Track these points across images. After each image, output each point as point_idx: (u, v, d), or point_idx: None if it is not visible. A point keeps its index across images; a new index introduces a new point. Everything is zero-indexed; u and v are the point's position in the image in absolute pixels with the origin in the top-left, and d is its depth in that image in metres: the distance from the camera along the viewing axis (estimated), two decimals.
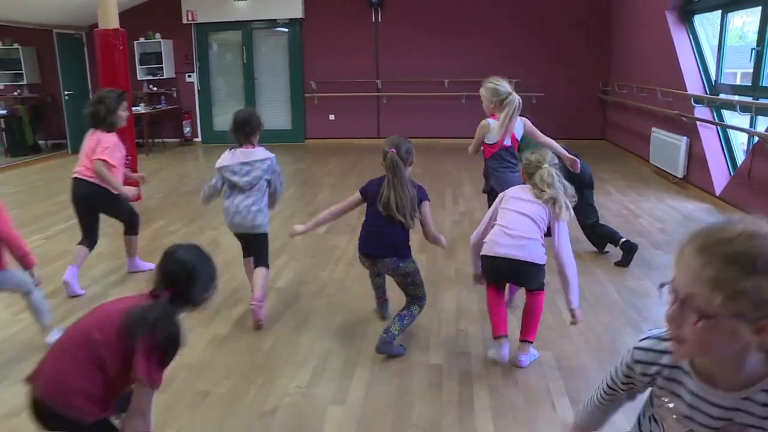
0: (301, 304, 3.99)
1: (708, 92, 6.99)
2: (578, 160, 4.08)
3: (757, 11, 6.02)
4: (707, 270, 1.00)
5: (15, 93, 11.08)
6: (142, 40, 11.28)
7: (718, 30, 6.83)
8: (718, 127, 6.78)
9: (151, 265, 4.51)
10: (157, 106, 11.35)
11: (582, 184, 4.52)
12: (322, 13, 11.01)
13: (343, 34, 11.03)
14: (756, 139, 5.80)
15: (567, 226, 3.08)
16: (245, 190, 3.63)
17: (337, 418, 2.70)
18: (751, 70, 6.07)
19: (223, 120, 11.48)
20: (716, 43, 6.91)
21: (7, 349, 3.39)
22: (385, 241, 3.23)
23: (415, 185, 3.27)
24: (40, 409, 1.86)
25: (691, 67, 7.28)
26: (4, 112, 10.71)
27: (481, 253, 3.14)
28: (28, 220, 6.05)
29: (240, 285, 4.13)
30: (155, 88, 11.52)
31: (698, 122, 6.86)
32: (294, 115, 11.65)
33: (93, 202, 4.21)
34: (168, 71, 11.45)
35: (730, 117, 6.62)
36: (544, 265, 3.08)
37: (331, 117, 11.50)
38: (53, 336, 3.25)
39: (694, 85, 7.13)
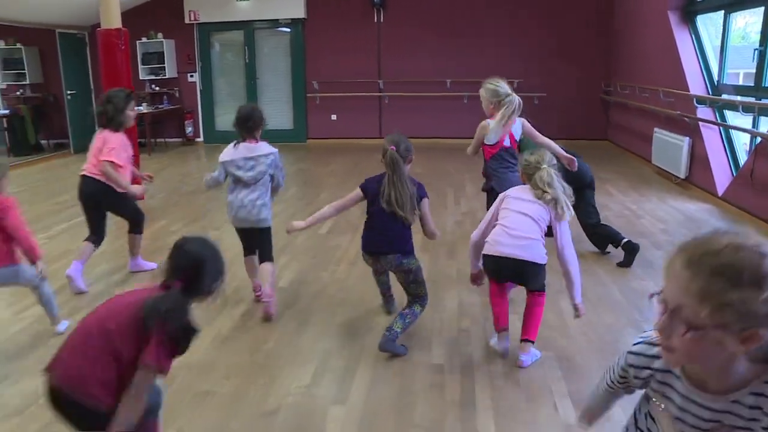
0: (302, 304, 3.99)
1: (710, 93, 6.98)
2: (576, 159, 4.09)
3: (759, 11, 6.01)
4: (695, 282, 1.03)
5: (18, 93, 11.09)
6: (144, 39, 11.29)
7: (721, 30, 6.82)
8: (721, 128, 6.77)
9: (153, 265, 4.54)
10: (160, 106, 11.36)
11: (583, 185, 4.54)
12: (324, 13, 11.01)
13: (345, 34, 11.03)
14: (758, 139, 5.79)
15: (568, 226, 3.10)
16: (249, 185, 3.68)
17: (339, 418, 2.70)
18: (754, 71, 6.06)
19: (225, 120, 11.48)
20: (719, 43, 6.90)
21: (9, 348, 3.39)
22: (388, 238, 3.25)
23: (414, 182, 3.30)
24: (57, 398, 1.90)
25: (693, 68, 7.27)
26: (6, 111, 10.72)
27: (483, 253, 3.16)
28: (30, 219, 6.01)
29: (241, 285, 4.13)
30: (157, 88, 11.53)
31: (700, 123, 6.85)
32: (296, 115, 11.65)
33: (99, 200, 4.25)
34: (170, 71, 11.46)
35: (733, 117, 6.61)
36: (544, 265, 3.10)
37: (333, 117, 11.50)
38: (62, 325, 3.51)
39: (696, 86, 7.12)
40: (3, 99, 11.01)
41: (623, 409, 1.69)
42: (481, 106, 4.20)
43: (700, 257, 1.04)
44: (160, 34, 11.32)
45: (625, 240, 4.54)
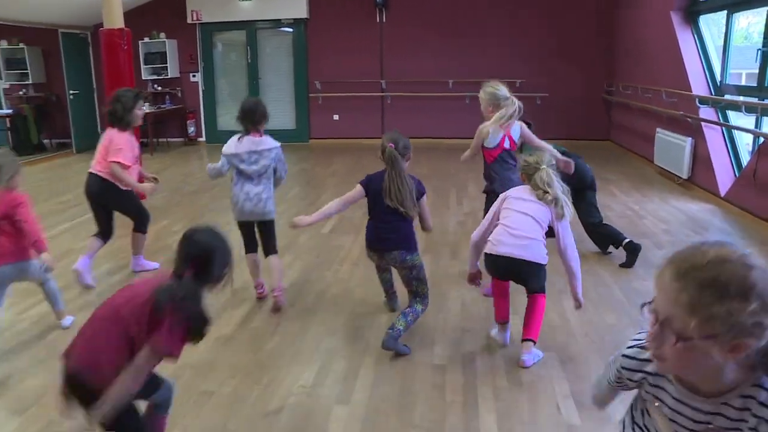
0: (305, 303, 3.99)
1: (713, 93, 6.97)
2: (572, 162, 4.10)
3: (762, 12, 6.00)
4: (683, 295, 1.06)
5: (20, 92, 11.11)
6: (146, 39, 11.29)
7: (724, 30, 6.81)
8: (723, 128, 6.76)
9: (156, 265, 4.55)
10: (162, 106, 11.36)
11: (583, 185, 4.56)
12: (326, 13, 11.01)
13: (347, 34, 11.03)
14: (761, 139, 5.78)
15: (569, 225, 3.14)
16: (253, 178, 3.75)
17: (342, 418, 2.70)
18: (757, 71, 6.05)
19: (227, 120, 11.50)
20: (721, 43, 6.89)
21: (11, 348, 3.40)
22: (392, 235, 3.29)
23: (413, 179, 3.34)
24: (73, 384, 1.94)
25: (696, 68, 7.26)
26: (9, 111, 10.74)
27: (485, 251, 3.18)
28: None
29: (243, 285, 4.13)
30: (160, 88, 11.54)
31: (703, 123, 6.84)
32: (298, 115, 11.66)
33: (103, 198, 4.31)
34: (172, 71, 11.47)
35: (735, 118, 6.61)
36: (545, 265, 3.13)
37: (336, 117, 11.51)
38: (67, 321, 3.62)
39: (699, 86, 7.11)
40: (6, 99, 11.04)
41: (621, 401, 1.70)
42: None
43: (688, 270, 1.07)
44: (162, 34, 11.32)
45: (626, 240, 4.54)
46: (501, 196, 3.29)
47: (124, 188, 4.29)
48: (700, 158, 6.96)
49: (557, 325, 3.57)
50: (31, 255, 3.29)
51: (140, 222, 4.50)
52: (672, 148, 7.48)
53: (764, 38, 5.89)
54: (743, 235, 5.37)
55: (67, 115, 10.84)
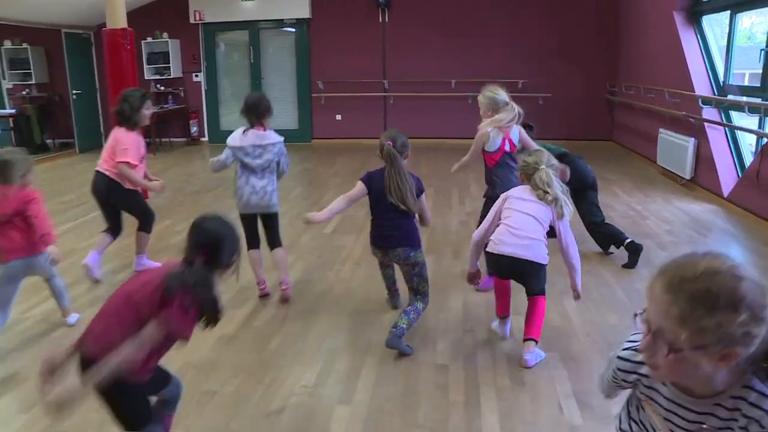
0: (307, 303, 3.99)
1: (716, 93, 6.96)
2: (567, 169, 4.13)
3: (766, 12, 6.00)
4: (673, 308, 1.08)
5: (23, 92, 11.14)
6: (149, 39, 11.32)
7: (727, 30, 6.80)
8: (726, 128, 6.75)
9: (159, 265, 4.55)
10: (164, 106, 11.38)
11: (584, 185, 4.59)
12: (329, 13, 11.02)
13: (350, 34, 11.04)
14: (765, 140, 5.77)
15: (569, 224, 3.18)
16: (257, 172, 3.80)
17: (344, 418, 2.70)
18: (760, 71, 6.04)
19: (230, 120, 11.52)
20: (724, 43, 6.88)
21: (14, 347, 3.41)
22: (395, 232, 3.32)
23: (412, 176, 3.37)
24: (88, 369, 1.96)
25: (698, 68, 7.25)
26: (12, 111, 10.76)
27: (487, 250, 3.22)
28: None
29: (246, 285, 4.14)
30: (162, 88, 11.56)
31: (706, 123, 6.83)
32: (301, 115, 11.66)
33: (108, 196, 4.37)
34: (175, 71, 11.48)
35: (738, 118, 6.59)
36: (545, 265, 3.17)
37: (338, 117, 11.51)
38: (73, 318, 3.68)
39: (701, 86, 7.10)
40: (9, 98, 11.06)
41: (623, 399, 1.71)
42: None
43: (679, 283, 1.09)
44: (165, 34, 11.34)
45: (628, 240, 4.54)
46: (502, 196, 3.32)
47: (129, 187, 4.34)
48: (703, 159, 6.95)
49: (559, 325, 3.57)
50: (41, 249, 3.36)
51: (145, 221, 4.54)
52: (675, 148, 7.47)
53: None
54: (746, 235, 5.36)
55: (70, 115, 10.87)
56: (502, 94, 4.01)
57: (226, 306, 3.76)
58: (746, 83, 7.06)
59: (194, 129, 11.76)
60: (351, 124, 11.41)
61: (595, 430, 2.60)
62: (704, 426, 1.22)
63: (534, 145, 4.09)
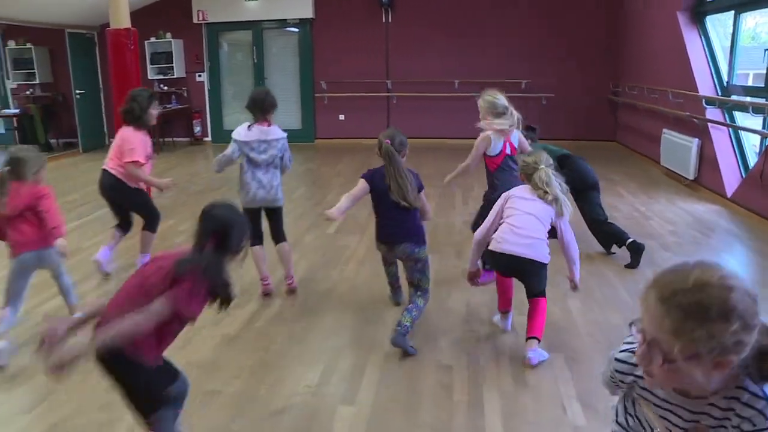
0: (311, 303, 4.00)
1: (720, 93, 6.94)
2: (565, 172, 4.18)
3: None
4: (667, 321, 1.11)
5: (27, 92, 11.17)
6: (153, 39, 11.34)
7: (731, 31, 6.78)
8: (730, 129, 6.73)
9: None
10: (168, 106, 11.38)
11: (586, 186, 4.62)
12: (332, 13, 11.02)
13: (353, 35, 11.04)
14: None
15: (569, 222, 3.24)
16: (262, 167, 3.86)
17: (347, 418, 2.70)
18: (764, 71, 6.02)
19: (233, 119, 11.52)
20: (728, 43, 6.86)
21: (22, 342, 3.41)
22: (402, 229, 3.38)
23: (412, 172, 3.41)
24: (104, 354, 2.00)
25: (702, 68, 7.23)
26: (16, 111, 10.80)
27: (489, 249, 3.25)
28: None
29: (249, 285, 4.14)
30: (166, 88, 11.57)
31: (709, 124, 6.81)
32: (304, 115, 11.67)
33: (116, 195, 4.44)
34: (178, 71, 11.50)
35: (742, 118, 6.58)
36: (546, 265, 3.21)
37: (341, 117, 11.51)
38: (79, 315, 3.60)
39: (705, 87, 7.09)
40: (13, 98, 11.10)
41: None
42: None
43: (671, 295, 1.11)
44: (168, 34, 11.36)
45: (630, 240, 4.54)
46: (504, 195, 3.35)
47: (134, 186, 4.40)
48: (707, 159, 6.93)
49: (562, 326, 3.57)
50: (51, 243, 3.40)
51: (151, 221, 4.58)
52: (678, 148, 7.46)
53: None
54: (750, 236, 5.35)
55: (74, 115, 10.89)
56: (501, 99, 4.07)
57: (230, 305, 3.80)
58: (750, 83, 7.04)
59: (197, 129, 11.78)
60: (354, 124, 11.41)
61: (599, 430, 2.59)
62: (699, 424, 1.25)
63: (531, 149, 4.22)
